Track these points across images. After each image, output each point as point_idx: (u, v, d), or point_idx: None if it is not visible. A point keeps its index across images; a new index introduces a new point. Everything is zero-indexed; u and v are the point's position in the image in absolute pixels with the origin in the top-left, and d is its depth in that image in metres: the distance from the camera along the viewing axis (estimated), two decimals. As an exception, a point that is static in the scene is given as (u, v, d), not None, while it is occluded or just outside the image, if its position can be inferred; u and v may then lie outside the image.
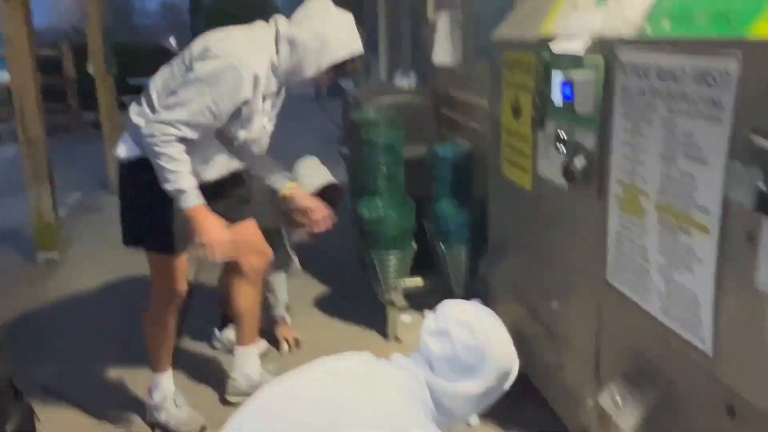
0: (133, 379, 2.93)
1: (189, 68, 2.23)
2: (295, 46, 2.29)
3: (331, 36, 2.27)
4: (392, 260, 3.02)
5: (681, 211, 1.48)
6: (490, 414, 2.51)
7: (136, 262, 4.38)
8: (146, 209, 2.34)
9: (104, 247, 4.80)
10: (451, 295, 3.23)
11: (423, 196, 3.42)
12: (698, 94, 1.40)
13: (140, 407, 2.69)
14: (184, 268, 2.48)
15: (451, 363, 1.49)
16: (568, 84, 1.86)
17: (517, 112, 2.42)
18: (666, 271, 1.57)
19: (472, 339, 1.51)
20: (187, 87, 2.17)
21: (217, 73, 2.16)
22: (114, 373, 3.04)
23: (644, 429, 1.64)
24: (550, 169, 2.14)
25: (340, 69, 2.34)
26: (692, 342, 1.49)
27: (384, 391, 1.42)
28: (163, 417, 2.57)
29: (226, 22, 2.39)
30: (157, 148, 2.11)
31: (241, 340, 2.76)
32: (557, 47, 1.99)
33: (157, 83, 2.32)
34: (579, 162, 1.90)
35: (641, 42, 1.63)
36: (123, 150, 2.33)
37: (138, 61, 10.33)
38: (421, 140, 3.68)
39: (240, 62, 2.18)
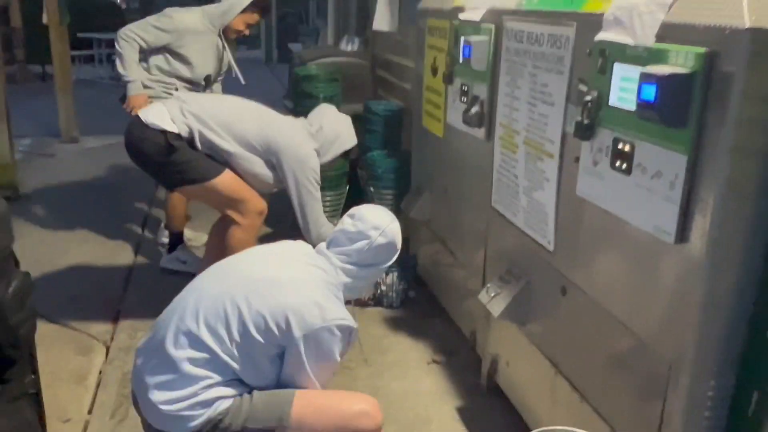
0: (98, 295, 3.28)
1: None
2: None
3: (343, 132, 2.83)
4: (328, 198, 3.44)
5: (538, 143, 1.95)
6: (403, 329, 3.01)
7: (86, 202, 4.73)
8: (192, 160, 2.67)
9: (57, 187, 5.08)
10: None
11: (358, 146, 3.84)
12: (551, 54, 1.86)
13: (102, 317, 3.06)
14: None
15: (365, 254, 1.88)
16: (468, 46, 2.30)
17: (434, 71, 2.86)
18: (528, 192, 2.05)
19: (384, 239, 1.90)
20: None
21: None
22: (77, 290, 3.37)
23: (509, 312, 2.12)
24: (456, 117, 2.59)
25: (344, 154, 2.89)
26: (542, 243, 1.98)
27: (303, 270, 1.83)
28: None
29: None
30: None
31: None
32: (463, 16, 2.43)
33: None
34: (474, 110, 2.36)
35: (519, 13, 2.08)
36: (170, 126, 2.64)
37: (88, 16, 10.31)
38: (359, 98, 4.09)
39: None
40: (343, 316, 1.72)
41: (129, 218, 4.45)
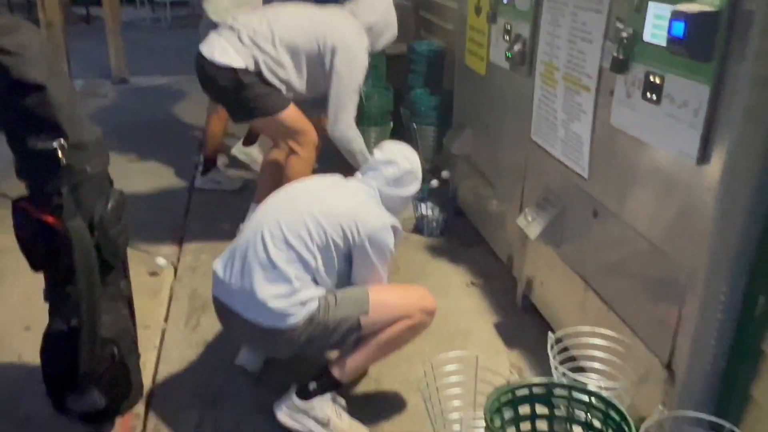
0: (163, 221, 3.58)
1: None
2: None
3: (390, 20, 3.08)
4: (372, 134, 3.64)
5: (576, 78, 2.12)
6: (444, 256, 3.24)
7: (141, 138, 5.00)
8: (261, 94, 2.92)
9: (113, 125, 5.36)
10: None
11: (402, 86, 4.02)
12: (591, -6, 2.01)
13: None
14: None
15: (395, 180, 2.18)
16: (512, -14, 2.44)
17: (478, 10, 3.00)
18: (566, 123, 2.22)
19: (409, 165, 2.21)
20: None
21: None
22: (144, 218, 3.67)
23: (545, 235, 2.33)
24: (498, 55, 2.74)
25: None
26: (577, 170, 2.16)
27: (354, 191, 2.15)
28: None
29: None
30: None
31: None
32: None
33: None
34: (517, 47, 2.51)
35: (562, -45, 2.21)
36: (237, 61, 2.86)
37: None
38: (402, 38, 4.21)
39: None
40: (391, 218, 2.09)
41: (183, 152, 4.72)
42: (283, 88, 2.95)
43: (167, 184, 4.18)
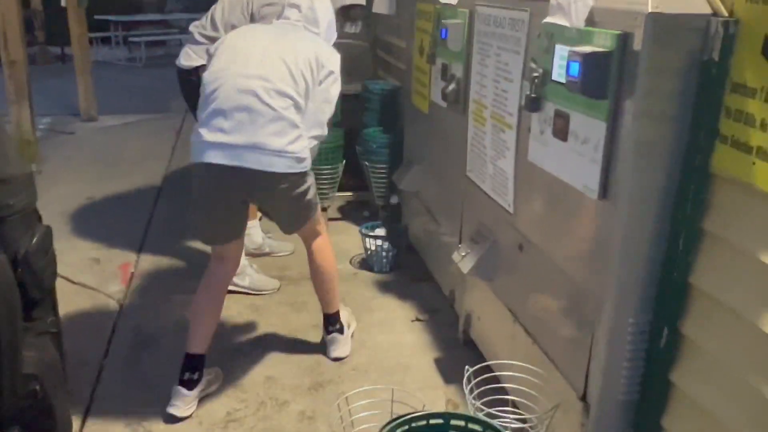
0: (114, 259, 3.57)
1: None
2: None
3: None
4: (324, 172, 3.69)
5: (501, 116, 2.18)
6: (392, 291, 3.26)
7: (104, 177, 5.01)
8: None
9: (77, 163, 5.38)
10: (373, 204, 3.95)
11: (356, 124, 4.08)
12: (511, 36, 2.08)
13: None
14: None
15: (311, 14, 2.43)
16: (445, 28, 2.52)
17: (421, 51, 3.09)
18: (494, 160, 2.28)
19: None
20: None
21: None
22: (95, 253, 3.66)
23: (478, 270, 2.36)
24: (437, 93, 2.82)
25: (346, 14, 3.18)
26: (504, 205, 2.21)
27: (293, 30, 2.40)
28: (246, 282, 3.22)
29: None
30: None
31: None
32: (443, 0, 2.65)
33: None
34: (451, 87, 2.58)
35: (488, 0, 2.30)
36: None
37: (105, -1, 10.60)
38: (360, 78, 4.31)
39: None
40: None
41: (144, 192, 4.72)
42: None
43: (124, 222, 4.17)
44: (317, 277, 2.61)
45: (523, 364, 1.86)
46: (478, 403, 1.68)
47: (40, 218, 2.06)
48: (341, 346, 2.67)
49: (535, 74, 1.84)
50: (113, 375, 2.60)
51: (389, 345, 2.80)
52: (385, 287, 3.31)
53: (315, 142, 2.36)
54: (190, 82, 3.06)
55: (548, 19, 1.80)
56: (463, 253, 2.42)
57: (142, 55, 10.92)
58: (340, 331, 2.68)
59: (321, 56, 2.31)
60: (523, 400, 1.83)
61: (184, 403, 2.32)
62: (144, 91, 8.82)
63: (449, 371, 2.61)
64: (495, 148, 2.26)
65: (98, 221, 4.12)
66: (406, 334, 2.90)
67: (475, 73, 2.41)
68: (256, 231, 3.47)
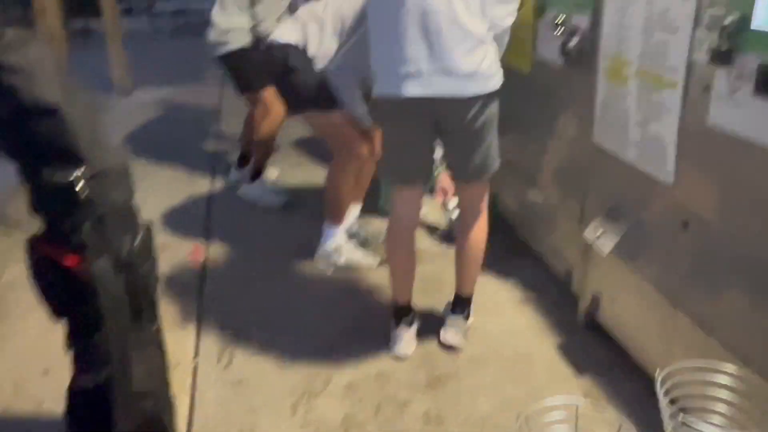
0: (181, 244, 3.34)
1: None
2: None
3: None
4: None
5: (655, 73, 1.87)
6: (488, 269, 2.99)
7: (159, 153, 4.76)
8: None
9: (122, 142, 5.11)
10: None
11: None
12: (673, -23, 1.76)
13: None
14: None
15: None
16: (568, -27, 2.20)
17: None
18: (642, 125, 1.98)
19: None
20: None
21: None
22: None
23: (619, 250, 2.09)
24: (549, 50, 2.50)
25: None
26: (657, 177, 1.92)
27: None
28: (343, 259, 3.03)
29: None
30: None
31: (326, 215, 3.08)
32: (559, -58, 2.31)
33: None
34: (574, 42, 2.27)
35: (630, -65, 1.97)
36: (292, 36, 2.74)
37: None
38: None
39: None
40: None
41: (195, 168, 4.47)
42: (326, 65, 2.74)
43: (182, 201, 3.94)
44: (470, 252, 2.39)
45: (729, 366, 1.57)
46: (683, 416, 1.41)
47: (138, 213, 1.81)
48: (460, 334, 2.43)
49: (726, 22, 1.53)
50: (209, 376, 2.38)
51: (502, 331, 2.55)
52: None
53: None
54: (271, 61, 2.80)
55: (745, -47, 1.48)
56: (598, 232, 2.15)
57: (167, 25, 10.57)
58: (467, 317, 2.46)
59: None
60: (724, 410, 1.56)
61: (408, 340, 2.38)
62: (173, 62, 8.51)
63: (577, 360, 2.36)
64: (644, 111, 1.95)
65: (155, 203, 3.88)
66: (517, 318, 2.65)
67: (610, 24, 2.09)
68: (352, 216, 3.20)
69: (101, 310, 1.59)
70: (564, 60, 2.34)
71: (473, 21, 2.00)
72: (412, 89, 2.03)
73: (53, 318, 1.71)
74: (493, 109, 2.15)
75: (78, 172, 1.55)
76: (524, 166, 2.94)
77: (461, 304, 2.46)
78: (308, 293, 2.90)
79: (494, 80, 2.10)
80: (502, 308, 2.71)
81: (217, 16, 3.56)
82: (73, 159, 1.55)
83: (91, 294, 1.60)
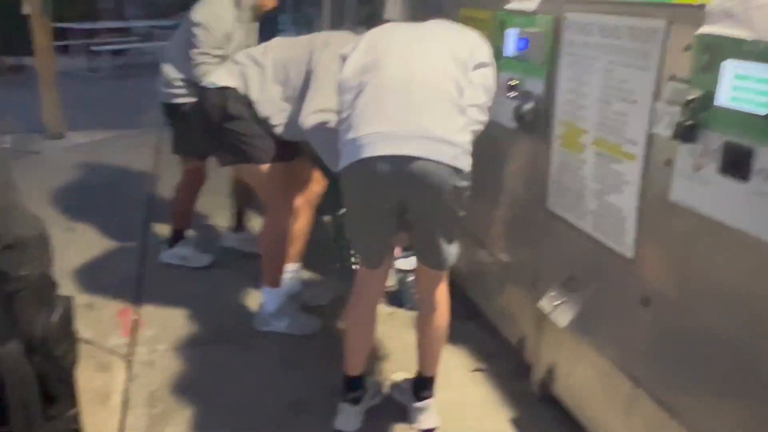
0: (109, 304, 3.10)
1: None
2: None
3: None
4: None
5: (615, 143, 1.83)
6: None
7: (81, 202, 4.48)
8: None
9: (49, 188, 4.81)
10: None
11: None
12: (633, 48, 1.73)
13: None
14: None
15: None
16: (523, 38, 2.16)
17: (470, 63, 2.71)
18: (599, 194, 1.92)
19: None
20: None
21: None
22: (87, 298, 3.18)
23: (576, 324, 2.00)
24: (500, 112, 2.45)
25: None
26: (616, 249, 1.86)
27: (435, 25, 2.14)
28: (285, 323, 2.84)
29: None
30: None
31: (264, 277, 2.87)
32: (512, 6, 2.28)
33: None
34: (528, 106, 2.22)
35: (586, 3, 1.95)
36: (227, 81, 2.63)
37: (60, 4, 9.94)
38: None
39: None
40: None
41: (129, 219, 4.23)
42: (271, 114, 2.60)
43: (113, 256, 3.69)
44: (431, 333, 2.21)
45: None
46: None
47: (56, 286, 1.62)
48: (434, 415, 2.28)
49: (689, 97, 1.49)
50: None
51: (455, 403, 2.41)
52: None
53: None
54: (206, 106, 2.65)
55: (707, 30, 1.46)
56: (555, 302, 2.07)
57: (106, 64, 10.27)
58: (432, 395, 2.29)
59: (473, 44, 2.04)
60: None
61: (355, 415, 2.25)
62: (111, 103, 8.24)
63: (534, 434, 2.26)
64: (601, 181, 1.90)
65: (84, 258, 3.62)
66: (469, 389, 2.52)
67: (565, 91, 2.05)
68: (292, 277, 3.02)
69: (8, 400, 1.38)
70: (517, 124, 2.29)
71: (455, 93, 1.90)
72: (381, 149, 1.83)
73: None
74: (466, 194, 1.95)
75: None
76: (475, 228, 2.86)
77: (426, 386, 2.27)
78: (248, 362, 2.70)
79: (468, 160, 1.91)
80: (454, 378, 2.58)
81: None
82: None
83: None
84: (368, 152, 1.83)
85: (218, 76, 2.66)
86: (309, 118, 2.40)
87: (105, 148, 6.10)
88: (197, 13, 3.12)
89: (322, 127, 2.37)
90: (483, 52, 2.03)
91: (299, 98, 2.54)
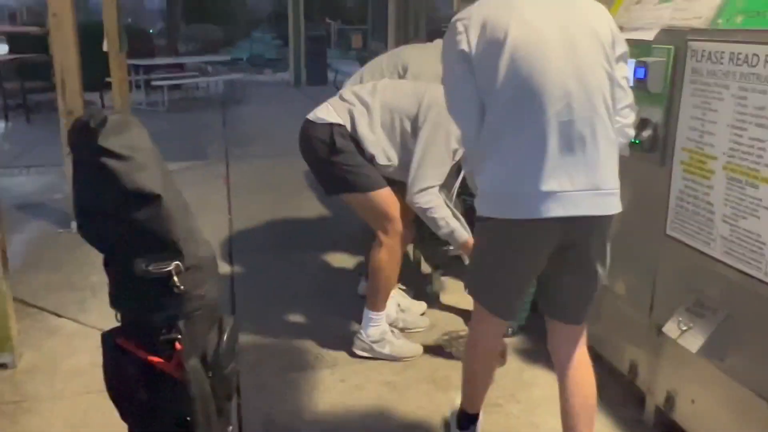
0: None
1: None
2: None
3: None
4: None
5: (750, 169, 1.85)
6: (537, 359, 2.88)
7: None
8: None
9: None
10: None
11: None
12: (770, 75, 1.77)
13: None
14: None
15: None
16: (641, 67, 2.21)
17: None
18: (732, 220, 1.94)
19: None
20: None
21: None
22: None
23: (708, 348, 2.00)
24: (612, 141, 2.49)
25: None
26: (753, 273, 1.86)
27: None
28: (387, 349, 2.88)
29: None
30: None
31: (367, 302, 2.94)
32: (628, 35, 2.33)
33: None
34: (646, 133, 2.26)
35: (713, 33, 1.99)
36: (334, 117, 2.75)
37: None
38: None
39: None
40: None
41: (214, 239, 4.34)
42: (377, 154, 2.72)
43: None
44: (583, 409, 1.97)
45: None
46: None
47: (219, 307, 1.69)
48: None
49: None
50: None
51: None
52: (531, 356, 2.93)
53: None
54: (314, 140, 2.76)
55: None
56: (684, 327, 2.07)
57: (165, 98, 10.63)
58: None
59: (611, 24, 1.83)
60: None
61: None
62: (174, 136, 8.50)
63: (654, 463, 2.24)
64: (735, 206, 1.92)
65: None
66: (580, 416, 2.52)
67: (689, 118, 2.09)
68: (391, 303, 3.06)
69: (195, 416, 1.45)
70: (634, 150, 2.32)
71: (612, 128, 1.78)
72: (554, 210, 1.70)
73: (128, 420, 1.57)
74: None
75: (175, 265, 1.45)
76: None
77: None
78: (353, 387, 2.74)
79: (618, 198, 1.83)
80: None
81: None
82: (170, 250, 1.46)
83: (182, 397, 1.46)
84: (539, 213, 1.70)
85: (327, 112, 2.77)
86: (416, 198, 2.68)
87: (178, 179, 6.25)
88: None
89: (430, 205, 2.65)
90: (621, 37, 1.85)
91: (404, 149, 2.74)
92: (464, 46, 1.75)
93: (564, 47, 1.71)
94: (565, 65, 1.70)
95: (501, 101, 1.73)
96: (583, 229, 1.79)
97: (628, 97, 1.89)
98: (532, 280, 1.95)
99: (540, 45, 1.70)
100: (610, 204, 1.78)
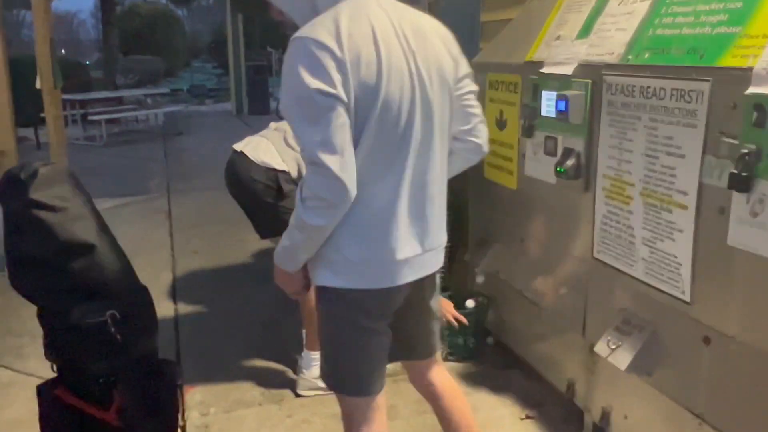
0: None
1: None
2: None
3: None
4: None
5: (664, 194, 1.98)
6: (484, 384, 2.96)
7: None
8: None
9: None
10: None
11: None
12: (677, 107, 1.90)
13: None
14: None
15: None
16: (562, 100, 2.33)
17: (502, 124, 2.89)
18: (650, 242, 2.06)
19: None
20: None
21: None
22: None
23: (636, 364, 2.11)
24: (539, 168, 2.61)
25: None
26: (672, 293, 1.98)
27: None
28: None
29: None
30: None
31: (307, 343, 2.94)
32: (547, 70, 2.47)
33: None
34: (569, 162, 2.38)
35: (623, 68, 2.13)
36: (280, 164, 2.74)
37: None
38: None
39: None
40: None
41: (157, 295, 4.28)
42: None
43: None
44: (462, 418, 2.01)
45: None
46: None
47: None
48: None
49: (744, 151, 1.65)
50: None
51: (511, 451, 2.49)
52: (474, 379, 3.01)
53: None
54: (255, 182, 2.73)
55: (756, 90, 1.62)
56: (612, 346, 2.17)
57: (103, 133, 10.44)
58: None
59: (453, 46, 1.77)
60: None
61: None
62: (113, 170, 8.37)
63: (594, 479, 2.32)
64: (653, 230, 2.04)
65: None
66: (522, 436, 2.60)
67: (608, 147, 2.21)
68: None
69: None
70: (559, 179, 2.44)
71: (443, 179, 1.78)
72: (407, 276, 1.66)
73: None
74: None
75: (110, 313, 1.46)
76: (513, 278, 2.98)
77: None
78: (300, 421, 2.75)
79: None
80: (504, 426, 2.66)
81: None
82: (105, 299, 1.47)
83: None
84: (394, 281, 1.65)
85: (271, 156, 2.74)
86: None
87: (117, 215, 6.16)
88: None
89: None
90: (463, 60, 1.81)
91: None
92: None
93: (420, 103, 1.61)
94: (424, 121, 1.62)
95: (361, 156, 1.55)
96: (418, 285, 1.76)
97: (477, 112, 1.86)
98: (387, 343, 1.77)
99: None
100: (440, 258, 1.80)
